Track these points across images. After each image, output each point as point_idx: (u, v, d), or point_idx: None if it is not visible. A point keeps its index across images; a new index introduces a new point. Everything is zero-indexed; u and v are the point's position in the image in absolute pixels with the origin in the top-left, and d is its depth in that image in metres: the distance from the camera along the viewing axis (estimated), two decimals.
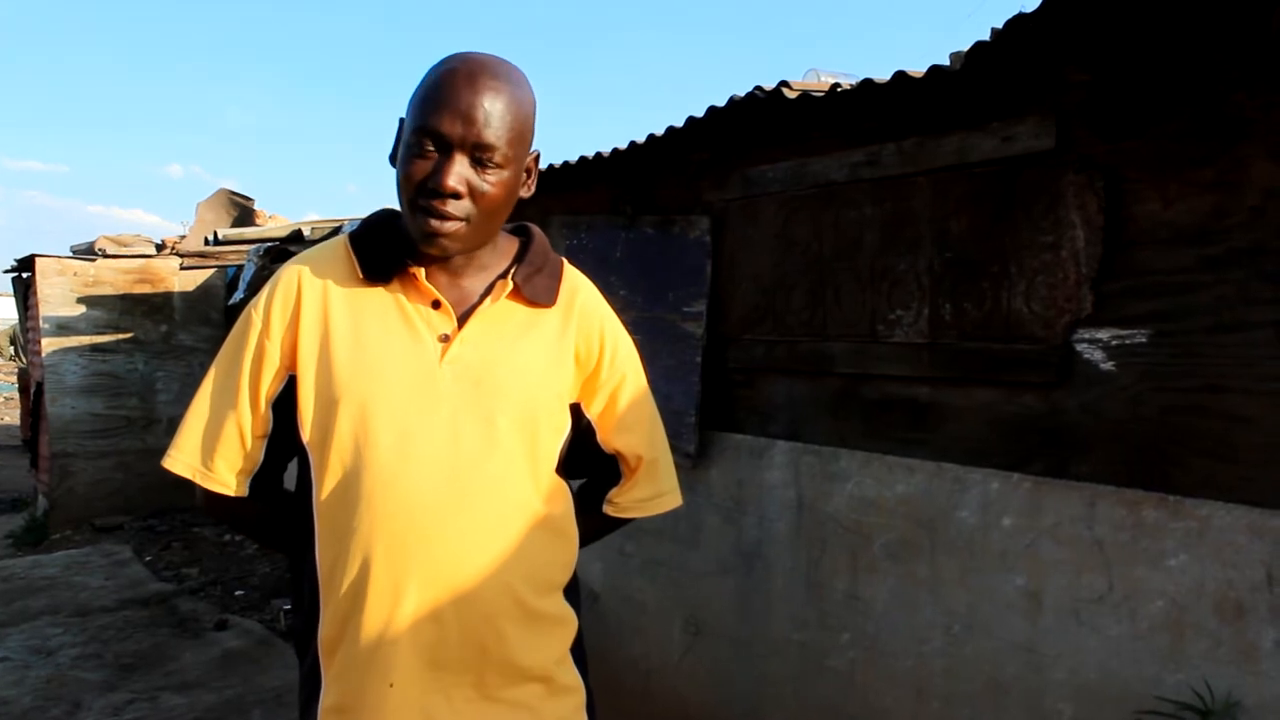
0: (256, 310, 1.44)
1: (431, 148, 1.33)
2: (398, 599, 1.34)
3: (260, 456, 1.46)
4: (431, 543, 1.35)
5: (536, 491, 1.44)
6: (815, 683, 2.82)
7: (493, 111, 1.32)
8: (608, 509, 1.64)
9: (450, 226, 1.34)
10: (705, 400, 3.25)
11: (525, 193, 1.46)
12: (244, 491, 1.46)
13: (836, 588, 2.77)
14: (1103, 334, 2.20)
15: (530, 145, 1.43)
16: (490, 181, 1.35)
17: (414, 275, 1.41)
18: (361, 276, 1.43)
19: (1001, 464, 2.39)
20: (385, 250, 1.44)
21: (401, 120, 1.41)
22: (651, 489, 1.63)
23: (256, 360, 1.42)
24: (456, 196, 1.33)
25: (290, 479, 1.51)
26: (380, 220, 1.51)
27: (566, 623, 1.51)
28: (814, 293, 2.91)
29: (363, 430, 1.36)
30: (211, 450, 1.44)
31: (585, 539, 1.63)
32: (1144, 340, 2.14)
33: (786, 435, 3.01)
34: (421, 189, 1.33)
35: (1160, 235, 2.12)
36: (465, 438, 1.37)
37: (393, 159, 1.42)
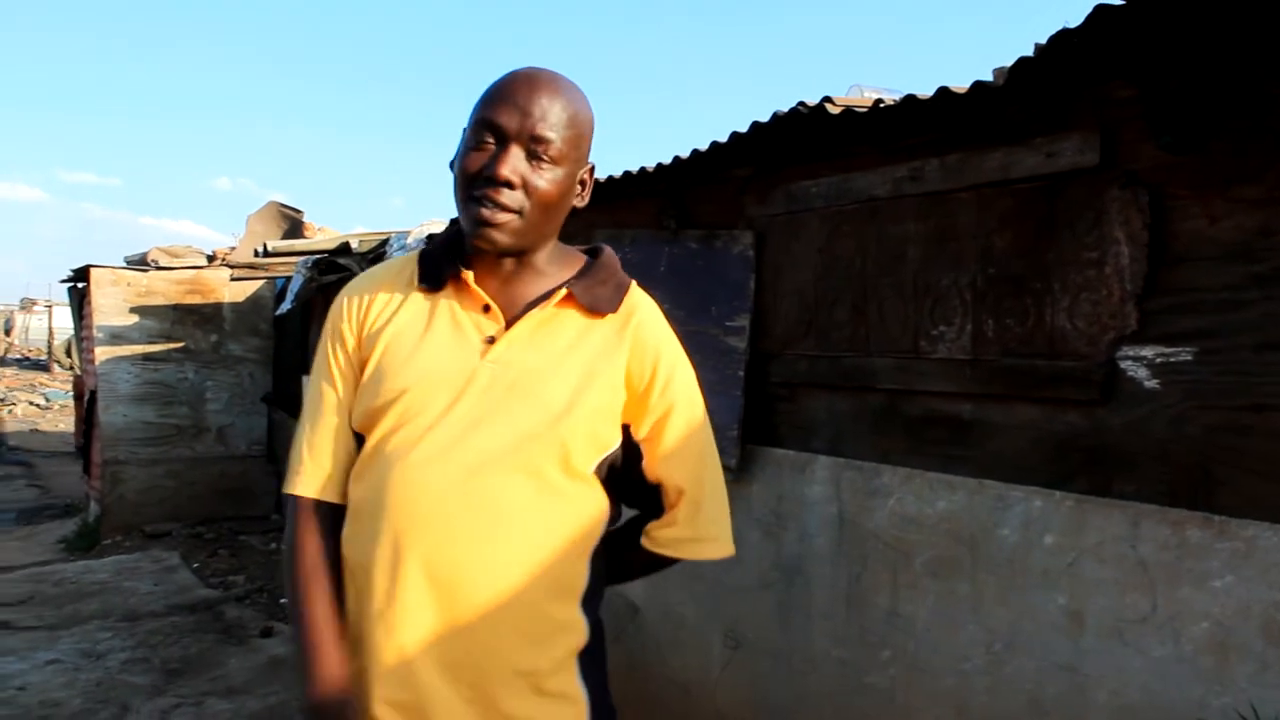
0: (339, 318, 1.52)
1: (490, 140, 1.38)
2: (394, 592, 1.38)
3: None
4: (431, 530, 1.37)
5: (553, 498, 1.43)
6: (855, 699, 2.83)
7: (550, 108, 1.37)
8: (644, 541, 1.59)
9: (502, 217, 1.38)
10: (748, 415, 3.27)
11: (579, 203, 1.49)
12: (325, 496, 1.50)
13: (877, 604, 2.78)
14: (1147, 351, 2.20)
15: (586, 155, 1.46)
16: (544, 176, 1.38)
17: (465, 280, 1.45)
18: (419, 285, 1.48)
19: (1044, 481, 2.39)
20: (442, 258, 1.49)
21: (465, 130, 1.46)
22: (691, 530, 1.57)
23: (340, 366, 1.51)
24: (510, 186, 1.36)
25: None
26: (448, 234, 1.56)
27: (572, 630, 1.48)
28: (857, 308, 2.93)
29: (392, 425, 1.42)
30: (308, 454, 1.51)
31: (628, 573, 1.65)
32: (1189, 358, 2.13)
33: (828, 450, 3.02)
34: (476, 179, 1.38)
35: (1206, 252, 2.11)
36: (485, 438, 1.39)
37: (453, 165, 1.46)
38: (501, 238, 1.39)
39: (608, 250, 1.57)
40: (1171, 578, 2.12)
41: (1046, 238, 2.40)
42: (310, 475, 1.49)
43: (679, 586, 3.51)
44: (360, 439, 1.48)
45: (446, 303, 1.47)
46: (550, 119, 1.37)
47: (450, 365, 1.42)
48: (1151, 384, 2.20)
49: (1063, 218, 2.36)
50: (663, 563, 1.62)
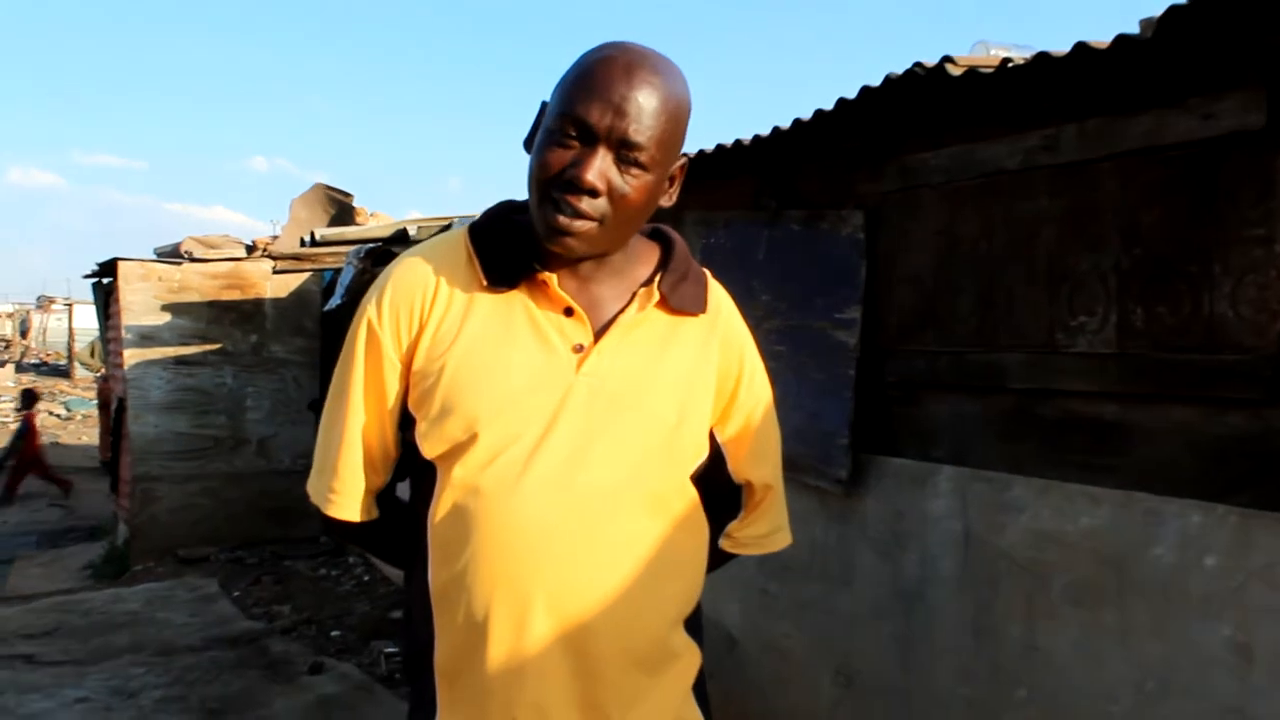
0: (377, 319, 1.51)
1: (574, 137, 1.38)
2: (522, 628, 1.42)
3: (388, 478, 1.60)
4: (554, 569, 1.42)
5: (669, 517, 1.51)
6: None
7: (646, 108, 1.38)
8: (724, 543, 1.72)
9: (581, 225, 1.40)
10: (859, 419, 3.32)
11: (666, 201, 1.52)
12: (370, 516, 1.59)
13: (1010, 635, 2.81)
14: None
15: (679, 151, 1.49)
16: (631, 183, 1.40)
17: (544, 281, 1.47)
18: (485, 282, 1.49)
19: (1203, 494, 2.41)
20: (509, 252, 1.50)
21: (544, 104, 1.47)
22: (770, 524, 1.74)
23: (379, 376, 1.51)
24: (594, 194, 1.38)
25: (402, 490, 1.63)
26: (501, 215, 1.57)
27: (690, 657, 1.58)
28: (983, 297, 2.97)
29: (485, 446, 1.44)
30: (339, 477, 1.56)
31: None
32: None
33: (952, 460, 3.06)
34: (556, 180, 1.39)
35: None
36: (595, 456, 1.44)
37: (528, 145, 1.48)
38: (579, 245, 1.42)
39: (678, 237, 1.63)
40: None
41: (1203, 213, 2.42)
42: (349, 500, 1.56)
43: (781, 616, 3.57)
44: (424, 462, 1.51)
45: (522, 304, 1.49)
46: (645, 120, 1.38)
47: (542, 382, 1.45)
48: None
49: (1222, 189, 2.38)
50: (727, 560, 1.77)
